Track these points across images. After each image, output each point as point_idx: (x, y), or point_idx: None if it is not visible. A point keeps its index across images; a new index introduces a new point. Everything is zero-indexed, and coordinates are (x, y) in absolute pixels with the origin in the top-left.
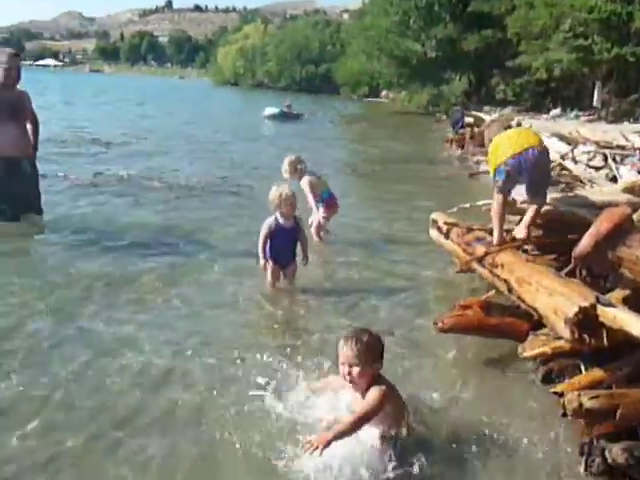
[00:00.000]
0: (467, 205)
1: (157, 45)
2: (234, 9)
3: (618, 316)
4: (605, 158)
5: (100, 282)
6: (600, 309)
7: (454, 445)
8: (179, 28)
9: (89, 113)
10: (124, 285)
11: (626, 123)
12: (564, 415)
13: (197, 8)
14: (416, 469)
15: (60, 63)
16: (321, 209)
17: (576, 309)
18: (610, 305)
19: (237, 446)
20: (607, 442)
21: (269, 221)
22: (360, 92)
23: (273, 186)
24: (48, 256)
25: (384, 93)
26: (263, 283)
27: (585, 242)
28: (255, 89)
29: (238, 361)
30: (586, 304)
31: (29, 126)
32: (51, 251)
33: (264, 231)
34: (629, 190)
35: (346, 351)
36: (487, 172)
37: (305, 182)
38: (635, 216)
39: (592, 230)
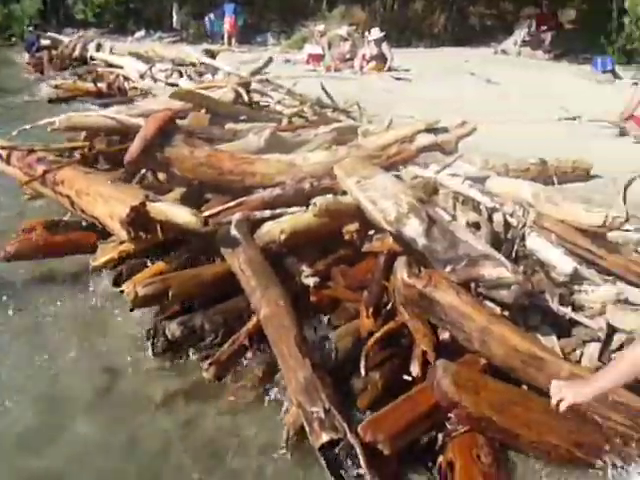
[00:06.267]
0: (27, 127)
1: None
2: None
3: (163, 209)
4: (181, 75)
5: None
6: (150, 206)
7: None
8: None
9: None
10: None
11: (205, 45)
12: (131, 310)
13: None
14: None
15: None
16: None
17: (127, 209)
18: (158, 201)
19: None
20: (167, 321)
21: None
22: None
23: None
24: None
25: None
26: None
27: (134, 146)
28: None
29: None
30: (136, 203)
31: None
32: None
33: None
34: (178, 96)
35: None
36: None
37: None
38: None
39: (139, 134)
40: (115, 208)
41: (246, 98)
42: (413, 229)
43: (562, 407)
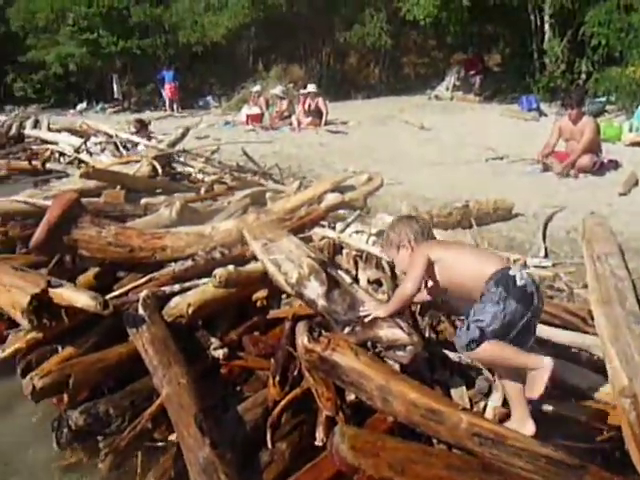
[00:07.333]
0: None
1: None
2: None
3: (64, 295)
4: (117, 147)
5: None
6: (52, 292)
7: None
8: None
9: None
10: None
11: (148, 112)
12: (37, 401)
13: None
14: None
15: None
16: None
17: (28, 298)
18: (60, 286)
19: None
20: (70, 411)
21: None
22: None
23: None
24: None
25: None
26: None
27: (38, 231)
28: None
29: None
30: (36, 291)
31: None
32: None
33: None
34: (86, 175)
35: None
36: None
37: None
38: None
39: (44, 219)
40: (16, 297)
41: (160, 170)
42: (313, 291)
43: (370, 317)
